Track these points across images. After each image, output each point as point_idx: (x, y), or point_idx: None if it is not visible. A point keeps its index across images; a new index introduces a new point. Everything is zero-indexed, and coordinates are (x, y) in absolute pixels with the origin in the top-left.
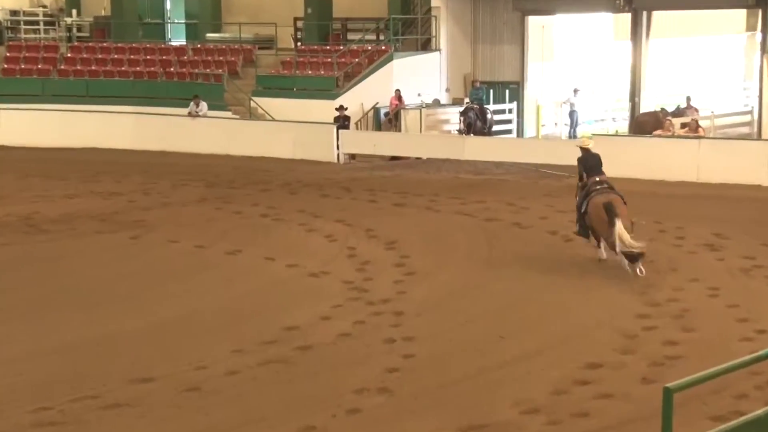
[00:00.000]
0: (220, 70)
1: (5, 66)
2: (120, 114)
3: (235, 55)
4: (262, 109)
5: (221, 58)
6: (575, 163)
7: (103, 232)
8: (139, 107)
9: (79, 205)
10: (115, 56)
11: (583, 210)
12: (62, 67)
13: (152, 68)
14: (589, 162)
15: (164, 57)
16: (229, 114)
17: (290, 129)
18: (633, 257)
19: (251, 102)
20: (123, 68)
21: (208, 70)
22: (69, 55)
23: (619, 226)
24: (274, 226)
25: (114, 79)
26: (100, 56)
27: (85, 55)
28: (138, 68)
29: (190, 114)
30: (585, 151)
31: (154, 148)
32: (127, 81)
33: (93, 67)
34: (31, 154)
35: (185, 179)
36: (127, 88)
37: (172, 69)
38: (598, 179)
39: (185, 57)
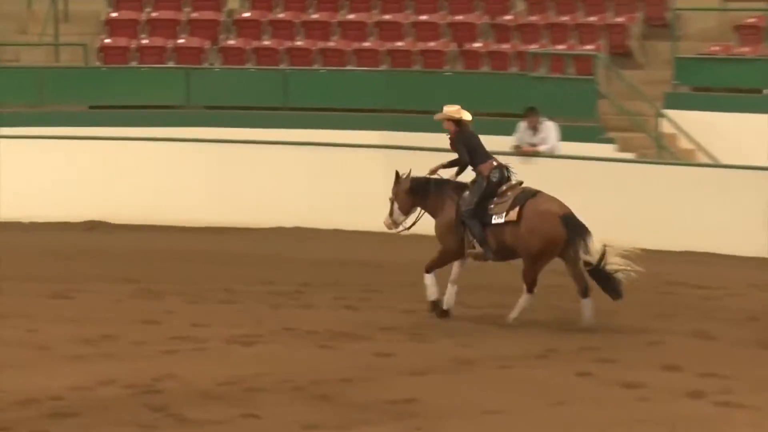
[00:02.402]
0: (593, 47)
1: (107, 42)
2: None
3: (623, 12)
4: (689, 137)
5: (592, 17)
6: None
7: None
8: (393, 133)
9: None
10: (350, 17)
11: (502, 221)
12: (231, 42)
13: (428, 34)
14: (472, 141)
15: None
16: (609, 149)
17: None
18: (617, 289)
19: (660, 121)
20: (366, 43)
21: (562, 47)
22: (248, 14)
23: (595, 242)
24: None
25: (351, 70)
26: (319, 18)
27: (281, 15)
28: (394, 41)
29: (519, 149)
30: (460, 126)
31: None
32: (371, 74)
33: (290, 43)
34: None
35: None
36: (373, 82)
37: (475, 45)
38: (496, 164)
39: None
